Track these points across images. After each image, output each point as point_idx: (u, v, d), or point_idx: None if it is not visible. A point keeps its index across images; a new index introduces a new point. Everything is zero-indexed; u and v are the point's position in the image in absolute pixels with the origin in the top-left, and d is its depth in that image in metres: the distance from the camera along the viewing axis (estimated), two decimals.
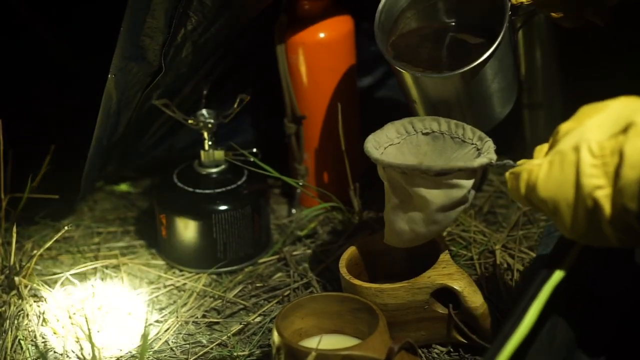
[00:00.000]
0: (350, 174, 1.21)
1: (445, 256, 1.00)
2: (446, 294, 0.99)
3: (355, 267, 1.05)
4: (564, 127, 0.80)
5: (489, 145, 0.97)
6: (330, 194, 1.21)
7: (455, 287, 0.97)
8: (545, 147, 0.84)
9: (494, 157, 0.94)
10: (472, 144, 0.99)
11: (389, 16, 1.06)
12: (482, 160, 0.93)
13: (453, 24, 1.07)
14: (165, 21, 0.99)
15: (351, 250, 1.05)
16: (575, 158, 0.77)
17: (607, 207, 0.75)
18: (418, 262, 1.02)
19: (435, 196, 0.94)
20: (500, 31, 1.00)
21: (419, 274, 0.99)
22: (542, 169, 0.80)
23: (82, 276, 1.16)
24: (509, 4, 1.00)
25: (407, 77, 1.04)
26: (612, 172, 0.75)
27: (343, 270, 1.02)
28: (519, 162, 0.87)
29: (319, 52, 1.19)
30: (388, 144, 1.02)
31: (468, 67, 0.99)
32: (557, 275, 0.83)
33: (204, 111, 1.16)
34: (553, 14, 1.03)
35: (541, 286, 0.82)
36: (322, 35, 1.18)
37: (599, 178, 0.76)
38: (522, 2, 1.00)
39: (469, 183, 0.94)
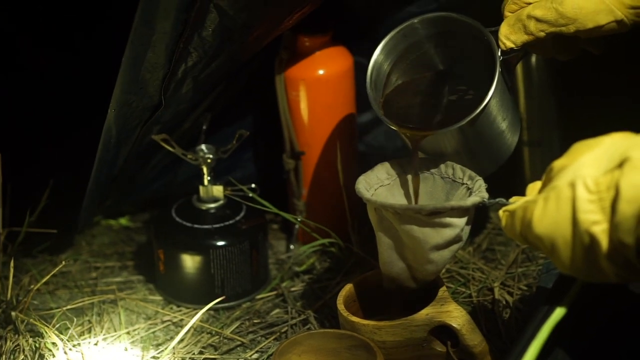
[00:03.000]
0: (349, 210, 1.21)
1: (443, 293, 1.00)
2: (444, 332, 0.98)
3: (353, 303, 1.04)
4: (558, 163, 0.81)
5: (480, 184, 0.97)
6: (328, 229, 1.21)
7: (453, 325, 0.97)
8: (537, 184, 0.85)
9: (485, 195, 0.95)
10: (463, 183, 0.99)
11: (380, 73, 1.05)
12: (474, 199, 0.94)
13: (446, 71, 1.07)
14: (165, 56, 1.00)
15: (349, 287, 1.04)
16: (570, 194, 0.77)
17: (604, 242, 0.75)
18: (416, 300, 1.02)
19: (429, 236, 0.94)
20: (492, 80, 0.99)
21: (417, 311, 0.98)
22: (537, 206, 0.80)
23: (79, 311, 1.16)
24: (499, 50, 1.00)
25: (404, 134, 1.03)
26: (608, 208, 0.75)
27: (341, 307, 1.01)
28: (511, 200, 0.87)
29: (318, 88, 1.19)
30: (378, 185, 1.02)
31: (463, 122, 0.98)
32: (558, 313, 0.83)
33: (203, 146, 1.16)
34: (544, 52, 1.04)
35: (541, 324, 0.82)
36: (321, 71, 1.19)
37: (595, 213, 0.75)
38: (512, 47, 1.00)
39: (461, 222, 0.94)
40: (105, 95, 1.03)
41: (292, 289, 1.19)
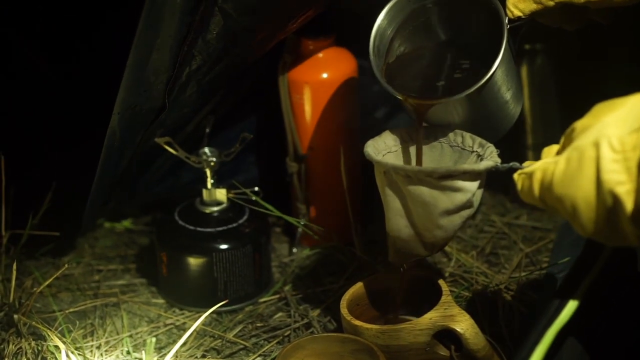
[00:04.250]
0: (352, 214, 1.20)
1: (447, 297, 0.99)
2: (448, 336, 0.98)
3: (356, 307, 1.04)
4: (580, 123, 0.78)
5: (492, 150, 0.96)
6: (331, 233, 1.21)
7: (457, 329, 0.96)
8: (554, 147, 0.82)
9: (498, 160, 0.93)
10: (473, 151, 0.98)
11: (383, 39, 1.03)
12: (487, 163, 0.92)
13: (450, 38, 1.04)
14: (170, 59, 1.00)
15: (352, 290, 1.04)
16: (594, 154, 0.75)
17: (628, 203, 0.73)
18: (420, 303, 1.02)
19: (439, 200, 0.93)
20: (500, 48, 0.97)
21: (421, 316, 0.98)
22: (558, 166, 0.77)
23: (82, 314, 1.16)
24: (506, 19, 0.99)
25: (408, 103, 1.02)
26: (634, 168, 0.73)
27: (344, 311, 1.01)
28: (524, 164, 0.85)
29: (322, 92, 1.19)
30: (386, 152, 1.00)
31: (471, 90, 0.96)
32: (570, 307, 0.82)
33: (206, 149, 1.16)
34: (552, 21, 1.02)
35: (554, 318, 0.81)
36: (325, 74, 1.19)
37: (620, 173, 0.73)
38: (519, 16, 0.99)
39: (473, 186, 0.93)
40: (109, 98, 1.03)
41: (295, 292, 1.19)
